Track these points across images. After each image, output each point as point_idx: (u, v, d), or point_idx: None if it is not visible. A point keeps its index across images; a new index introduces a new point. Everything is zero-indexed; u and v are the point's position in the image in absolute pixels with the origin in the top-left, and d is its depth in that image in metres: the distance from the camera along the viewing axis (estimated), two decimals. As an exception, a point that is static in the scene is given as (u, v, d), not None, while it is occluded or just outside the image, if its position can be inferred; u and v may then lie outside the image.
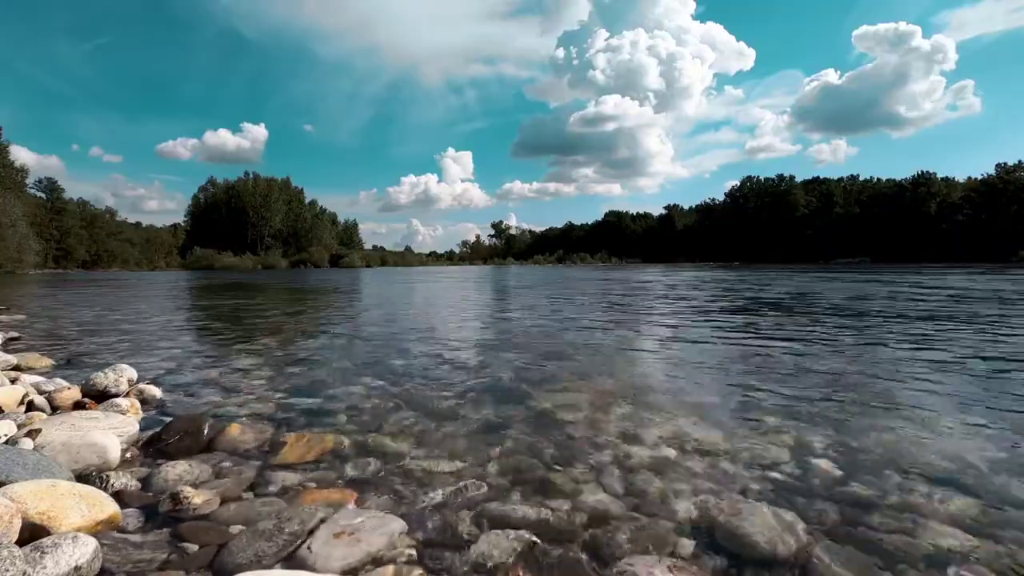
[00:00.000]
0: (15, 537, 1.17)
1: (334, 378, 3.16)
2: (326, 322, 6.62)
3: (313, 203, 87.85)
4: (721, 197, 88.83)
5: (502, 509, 1.49)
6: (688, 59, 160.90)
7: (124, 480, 1.63)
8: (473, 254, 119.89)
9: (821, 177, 78.30)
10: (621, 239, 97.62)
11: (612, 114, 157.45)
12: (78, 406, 2.38)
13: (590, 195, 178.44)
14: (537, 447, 1.98)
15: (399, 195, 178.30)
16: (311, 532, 1.32)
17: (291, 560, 1.23)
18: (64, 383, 2.66)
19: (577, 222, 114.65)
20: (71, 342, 4.68)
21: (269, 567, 1.20)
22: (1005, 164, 59.25)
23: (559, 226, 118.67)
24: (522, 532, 1.36)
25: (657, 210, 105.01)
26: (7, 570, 1.01)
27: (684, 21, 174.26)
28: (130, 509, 1.46)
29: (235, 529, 1.37)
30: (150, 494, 1.57)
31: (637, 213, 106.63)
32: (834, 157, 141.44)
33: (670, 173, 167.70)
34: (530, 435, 2.11)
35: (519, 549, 1.29)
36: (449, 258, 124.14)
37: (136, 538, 1.33)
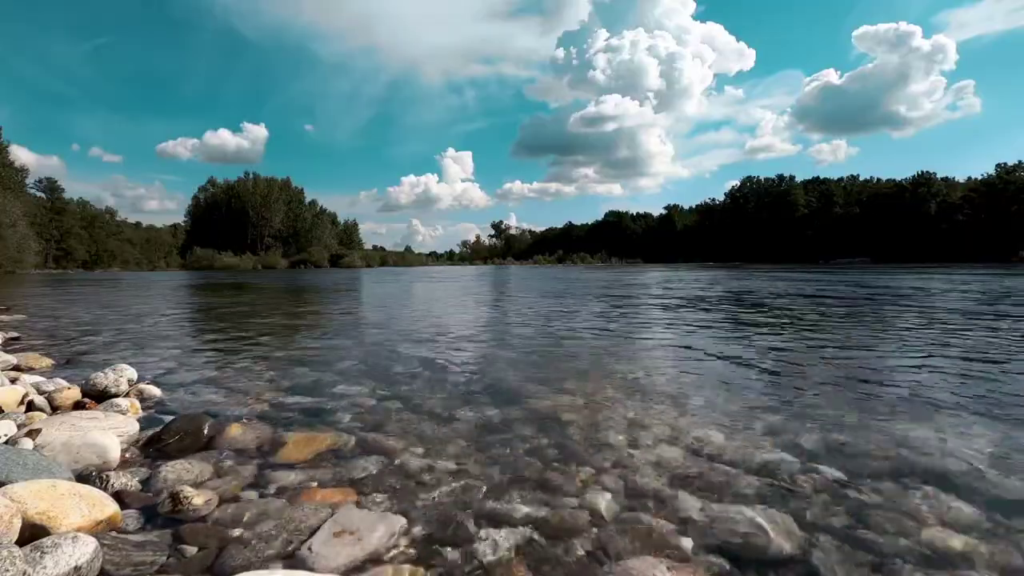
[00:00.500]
0: (15, 537, 1.17)
1: (334, 378, 3.16)
2: (326, 322, 6.62)
3: (313, 203, 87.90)
4: (721, 197, 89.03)
5: (502, 508, 1.49)
6: (688, 59, 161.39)
7: (124, 480, 1.63)
8: (473, 254, 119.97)
9: (821, 177, 78.47)
10: (621, 239, 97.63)
11: (612, 114, 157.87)
12: (78, 406, 2.38)
13: (590, 195, 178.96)
14: (537, 446, 1.98)
15: (399, 195, 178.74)
16: (312, 532, 1.32)
17: (292, 560, 1.23)
18: (64, 383, 2.66)
19: (577, 222, 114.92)
20: (71, 342, 4.68)
21: (270, 567, 1.20)
22: (1005, 164, 59.26)
23: (559, 226, 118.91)
24: (522, 531, 1.36)
25: (657, 210, 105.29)
26: (7, 570, 1.01)
27: (684, 21, 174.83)
28: (130, 509, 1.46)
29: (235, 529, 1.37)
30: (150, 494, 1.57)
31: (637, 213, 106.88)
32: (834, 157, 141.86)
33: (670, 173, 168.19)
34: (530, 434, 2.11)
35: (519, 548, 1.29)
36: (449, 258, 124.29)
37: (136, 538, 1.33)
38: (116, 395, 2.54)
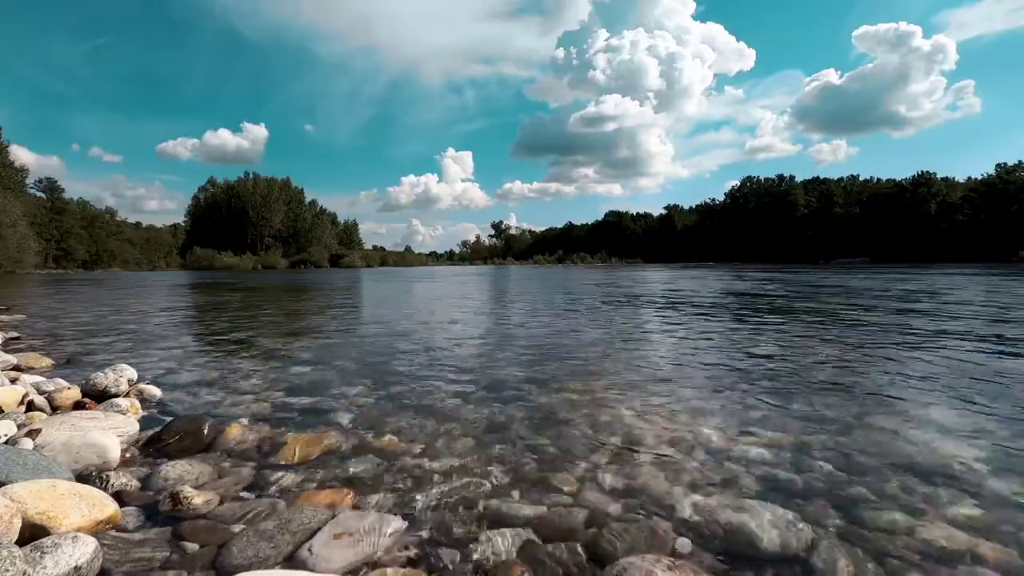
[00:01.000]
0: (15, 537, 1.17)
1: (334, 378, 3.16)
2: (326, 322, 6.62)
3: (313, 203, 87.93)
4: (721, 197, 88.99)
5: (502, 508, 1.49)
6: (688, 59, 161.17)
7: (124, 480, 1.63)
8: (473, 254, 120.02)
9: (821, 177, 78.42)
10: (621, 239, 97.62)
11: (612, 114, 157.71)
12: (78, 406, 2.38)
13: (590, 195, 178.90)
14: (537, 446, 1.98)
15: (399, 195, 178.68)
16: (312, 533, 1.33)
17: (292, 560, 1.23)
18: (64, 383, 2.66)
19: (577, 222, 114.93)
20: (71, 342, 4.68)
21: (270, 567, 1.20)
22: (1005, 164, 59.22)
23: (559, 226, 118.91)
24: (522, 531, 1.36)
25: (657, 210, 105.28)
26: (7, 570, 1.01)
27: (684, 21, 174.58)
28: (130, 509, 1.47)
29: (235, 529, 1.37)
30: (150, 494, 1.57)
31: (637, 213, 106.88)
32: (834, 157, 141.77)
33: (670, 173, 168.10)
34: (530, 434, 2.11)
35: (519, 548, 1.29)
36: (449, 258, 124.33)
37: (136, 537, 1.33)
38: (116, 395, 2.54)
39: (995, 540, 1.31)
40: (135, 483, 1.64)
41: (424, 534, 1.37)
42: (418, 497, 1.56)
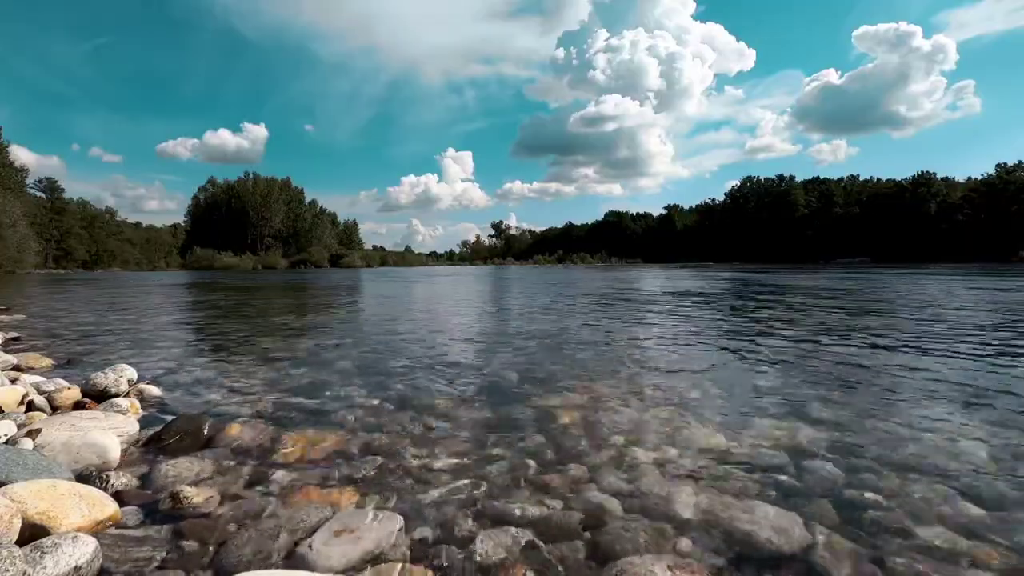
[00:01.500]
0: (15, 537, 1.17)
1: (334, 377, 3.16)
2: (326, 322, 6.62)
3: (313, 203, 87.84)
4: (721, 197, 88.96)
5: (502, 508, 1.49)
6: (688, 59, 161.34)
7: (124, 480, 1.63)
8: (473, 254, 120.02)
9: (821, 177, 78.41)
10: (621, 239, 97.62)
11: (612, 114, 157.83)
12: (78, 406, 2.38)
13: (590, 195, 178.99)
14: (537, 446, 1.98)
15: (399, 195, 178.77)
16: (312, 531, 1.33)
17: (291, 559, 1.23)
18: (64, 383, 2.66)
19: (577, 222, 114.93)
20: (71, 342, 4.68)
21: (270, 565, 1.20)
22: (1005, 164, 59.20)
23: (559, 226, 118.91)
24: (522, 531, 1.36)
25: (657, 210, 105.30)
26: (7, 570, 1.01)
27: (684, 21, 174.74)
28: (130, 508, 1.46)
29: (235, 528, 1.37)
30: (150, 493, 1.57)
31: (637, 213, 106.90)
32: (834, 157, 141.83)
33: (670, 173, 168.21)
34: (530, 434, 2.11)
35: (519, 548, 1.29)
36: (449, 258, 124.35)
37: (136, 534, 1.33)
38: (116, 395, 2.54)
39: (995, 541, 1.31)
40: (135, 482, 1.64)
41: (425, 532, 1.37)
42: (418, 495, 1.56)
